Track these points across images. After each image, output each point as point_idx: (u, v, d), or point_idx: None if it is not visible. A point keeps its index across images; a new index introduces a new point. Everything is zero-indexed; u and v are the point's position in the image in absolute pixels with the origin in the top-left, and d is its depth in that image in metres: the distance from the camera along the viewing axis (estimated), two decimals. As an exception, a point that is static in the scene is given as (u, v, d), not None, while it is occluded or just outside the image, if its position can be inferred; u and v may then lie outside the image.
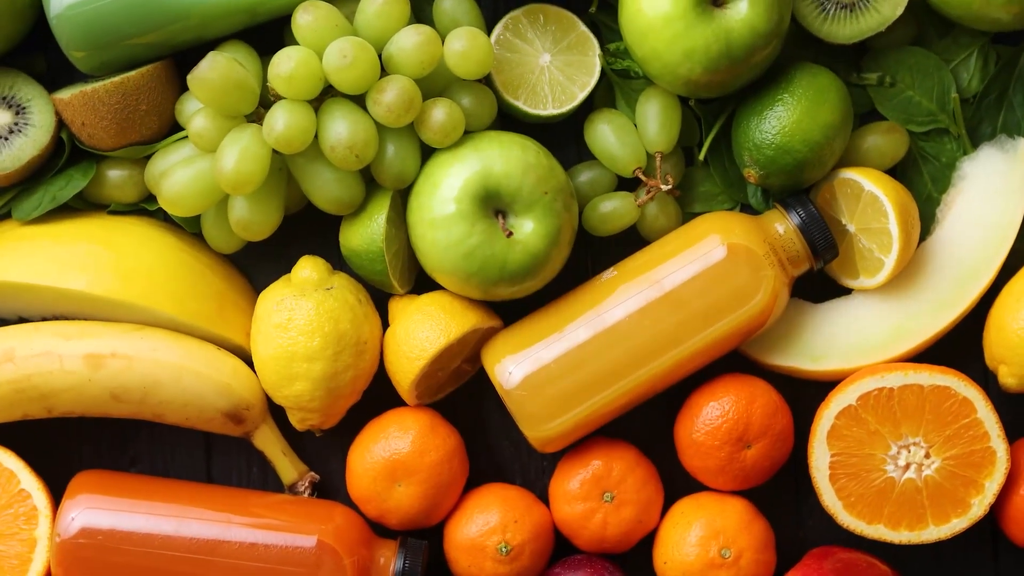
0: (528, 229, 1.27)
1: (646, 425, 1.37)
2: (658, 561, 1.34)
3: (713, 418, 1.31)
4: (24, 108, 1.31)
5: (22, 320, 1.35)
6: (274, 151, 1.27)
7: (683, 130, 1.34)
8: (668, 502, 1.36)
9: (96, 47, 1.28)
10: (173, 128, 1.34)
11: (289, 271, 1.35)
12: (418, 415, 1.33)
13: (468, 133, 1.30)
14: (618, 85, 1.35)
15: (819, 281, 1.37)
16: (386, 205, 1.29)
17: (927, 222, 1.36)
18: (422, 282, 1.34)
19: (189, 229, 1.34)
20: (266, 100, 1.29)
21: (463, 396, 1.38)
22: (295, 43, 1.28)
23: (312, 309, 1.30)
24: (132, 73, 1.29)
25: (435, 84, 1.30)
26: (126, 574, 1.28)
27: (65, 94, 1.30)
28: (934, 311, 1.34)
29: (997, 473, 1.30)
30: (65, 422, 1.37)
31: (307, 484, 1.36)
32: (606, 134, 1.33)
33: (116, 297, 1.30)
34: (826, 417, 1.31)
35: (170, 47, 1.30)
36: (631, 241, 1.35)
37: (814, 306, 1.36)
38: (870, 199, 1.31)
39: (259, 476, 1.38)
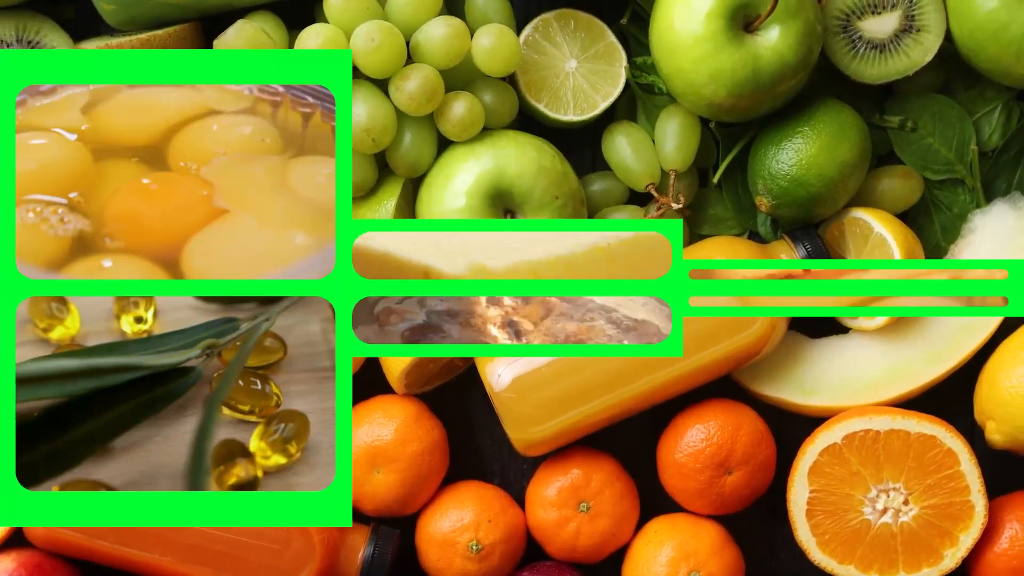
0: (535, 232, 1.27)
1: (630, 440, 1.37)
2: (626, 576, 1.34)
3: (697, 441, 1.31)
4: (48, 54, 1.31)
5: None
6: (291, 126, 1.27)
7: (700, 151, 1.34)
8: (643, 519, 1.36)
9: (127, 2, 1.27)
10: (193, 91, 1.34)
11: (293, 247, 1.35)
12: (404, 404, 1.33)
13: (486, 130, 1.30)
14: (641, 99, 1.35)
15: (818, 317, 1.36)
16: (397, 192, 1.29)
17: (932, 270, 1.36)
18: (424, 273, 1.35)
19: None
20: (289, 74, 1.29)
21: (452, 391, 1.37)
22: (325, 21, 1.28)
23: (311, 287, 1.30)
24: (159, 32, 1.29)
25: (459, 77, 1.30)
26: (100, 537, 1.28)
27: (90, 46, 1.30)
28: (929, 359, 1.33)
29: (973, 528, 1.30)
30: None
31: (286, 460, 1.36)
32: (623, 147, 1.33)
33: None
34: (810, 452, 1.31)
35: (199, 10, 1.29)
36: (636, 255, 1.36)
37: (811, 341, 1.36)
38: (878, 241, 1.31)
39: (239, 447, 1.38)
